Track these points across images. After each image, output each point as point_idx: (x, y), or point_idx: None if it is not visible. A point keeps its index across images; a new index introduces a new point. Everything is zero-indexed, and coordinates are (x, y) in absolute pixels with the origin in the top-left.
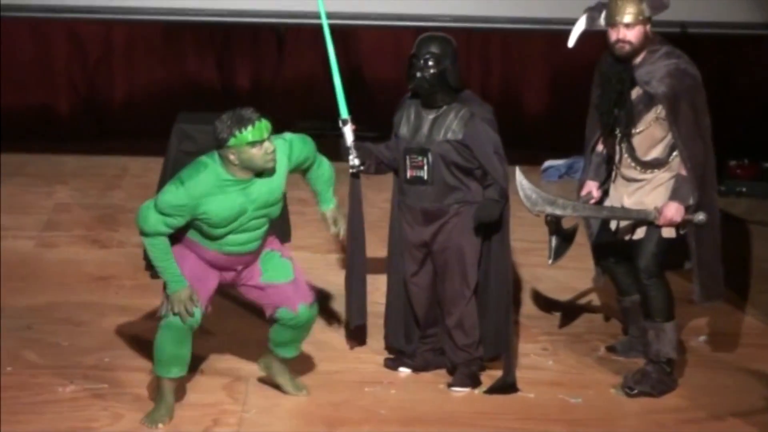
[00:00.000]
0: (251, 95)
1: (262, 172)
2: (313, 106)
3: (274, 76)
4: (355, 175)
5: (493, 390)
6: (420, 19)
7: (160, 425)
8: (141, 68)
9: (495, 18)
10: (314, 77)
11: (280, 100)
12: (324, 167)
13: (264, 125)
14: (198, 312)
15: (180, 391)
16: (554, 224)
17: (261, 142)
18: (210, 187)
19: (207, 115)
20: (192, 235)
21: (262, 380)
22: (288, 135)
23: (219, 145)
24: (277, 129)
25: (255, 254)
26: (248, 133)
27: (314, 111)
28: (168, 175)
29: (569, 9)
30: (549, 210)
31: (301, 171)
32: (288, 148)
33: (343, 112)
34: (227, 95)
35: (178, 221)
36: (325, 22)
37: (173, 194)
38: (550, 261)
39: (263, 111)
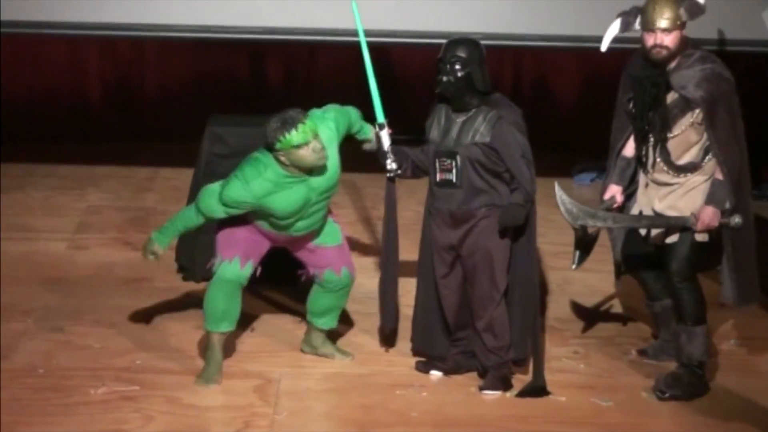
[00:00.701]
0: (283, 96)
1: (317, 168)
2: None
3: (306, 78)
4: (392, 179)
5: (523, 393)
6: (449, 37)
7: (213, 385)
8: (173, 69)
9: (526, 36)
10: (346, 78)
11: (312, 102)
12: (364, 126)
13: (309, 126)
14: (249, 269)
15: (229, 351)
16: (582, 230)
17: (307, 143)
18: (273, 186)
19: (239, 118)
20: (259, 222)
21: (293, 383)
22: (330, 111)
23: (269, 148)
24: None
25: (318, 230)
26: (293, 136)
27: None
28: (200, 178)
29: (596, 26)
30: (591, 223)
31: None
32: (334, 128)
33: (380, 116)
34: (259, 96)
35: (239, 212)
36: (360, 29)
37: (238, 192)
38: (573, 266)
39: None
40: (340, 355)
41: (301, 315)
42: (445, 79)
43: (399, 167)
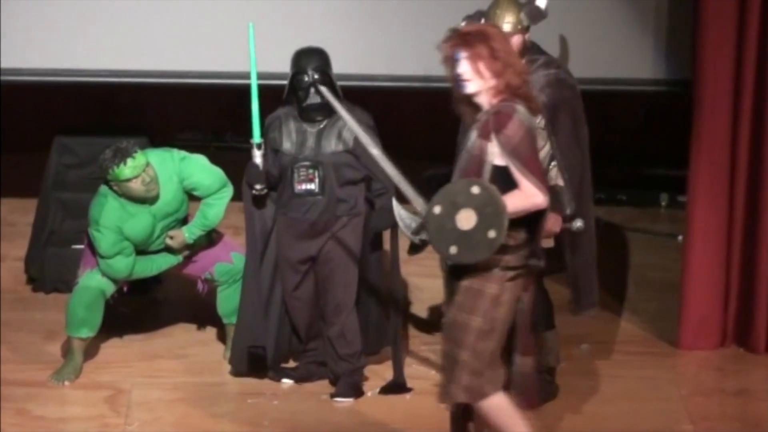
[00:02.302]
0: (131, 104)
1: (147, 200)
2: (192, 118)
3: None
4: (258, 198)
5: (385, 390)
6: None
7: (66, 382)
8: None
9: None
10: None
11: (163, 110)
12: (212, 211)
13: (139, 160)
14: (113, 285)
15: (91, 353)
16: (422, 242)
17: (136, 177)
18: (121, 213)
19: (87, 128)
20: None
21: (144, 393)
22: (182, 154)
23: (102, 178)
24: (158, 140)
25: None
26: (122, 170)
27: (193, 122)
28: (49, 188)
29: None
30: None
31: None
32: (178, 169)
33: (257, 136)
34: (107, 106)
35: (126, 244)
36: (252, 52)
37: (101, 239)
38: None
39: (146, 120)
40: None
41: (154, 327)
42: (313, 89)
43: (263, 187)
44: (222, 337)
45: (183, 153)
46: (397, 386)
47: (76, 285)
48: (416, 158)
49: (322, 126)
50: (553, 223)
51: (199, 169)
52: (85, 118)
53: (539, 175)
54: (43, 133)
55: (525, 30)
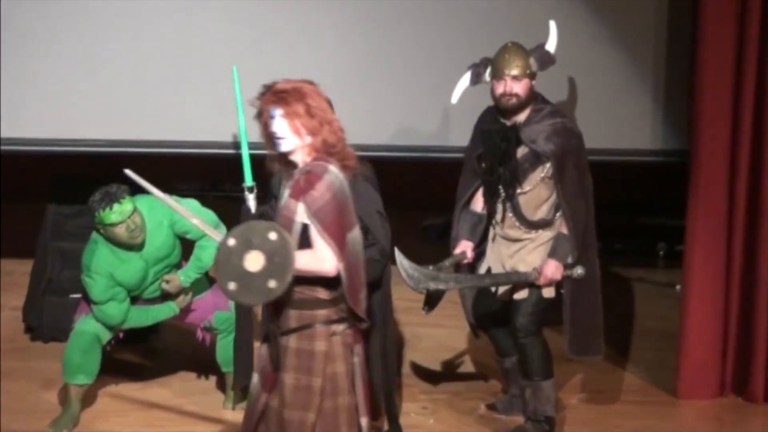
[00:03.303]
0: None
1: (132, 246)
2: (190, 168)
3: None
4: None
5: None
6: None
7: (64, 431)
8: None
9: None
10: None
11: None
12: (205, 255)
13: (126, 206)
14: (108, 332)
15: (88, 401)
16: (426, 291)
17: (122, 222)
18: (111, 260)
19: (86, 177)
20: None
21: None
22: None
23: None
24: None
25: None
26: (108, 214)
27: (192, 172)
28: (47, 237)
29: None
30: (432, 286)
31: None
32: (169, 214)
33: (248, 180)
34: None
35: (119, 290)
36: (238, 95)
37: (92, 285)
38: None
39: (145, 170)
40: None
41: (151, 375)
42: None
43: None
44: (221, 385)
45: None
46: None
47: (72, 330)
48: (413, 208)
49: None
50: (554, 271)
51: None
52: (83, 168)
53: (338, 241)
54: (40, 183)
55: (533, 76)
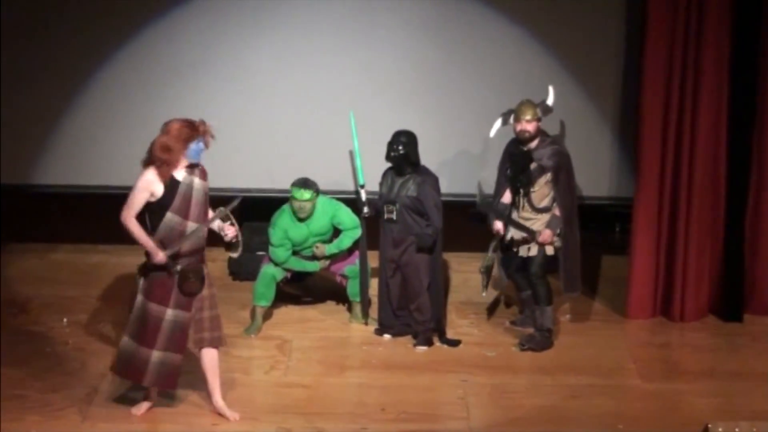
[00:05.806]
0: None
1: (299, 219)
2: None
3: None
4: (366, 218)
5: (444, 342)
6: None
7: (253, 335)
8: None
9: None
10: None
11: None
12: (345, 241)
13: (308, 193)
14: (282, 272)
15: (267, 317)
16: (489, 269)
17: (299, 199)
18: (289, 222)
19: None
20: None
21: (299, 342)
22: (339, 205)
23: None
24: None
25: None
26: (294, 192)
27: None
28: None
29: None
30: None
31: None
32: (333, 211)
33: (361, 180)
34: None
35: (287, 242)
36: (354, 130)
37: (273, 233)
38: (483, 293)
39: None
40: (363, 318)
41: (307, 302)
42: (393, 154)
43: (370, 212)
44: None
45: (340, 204)
46: (450, 342)
47: (259, 272)
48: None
49: (405, 179)
50: (548, 236)
51: (345, 214)
52: (254, 203)
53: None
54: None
55: (539, 119)
